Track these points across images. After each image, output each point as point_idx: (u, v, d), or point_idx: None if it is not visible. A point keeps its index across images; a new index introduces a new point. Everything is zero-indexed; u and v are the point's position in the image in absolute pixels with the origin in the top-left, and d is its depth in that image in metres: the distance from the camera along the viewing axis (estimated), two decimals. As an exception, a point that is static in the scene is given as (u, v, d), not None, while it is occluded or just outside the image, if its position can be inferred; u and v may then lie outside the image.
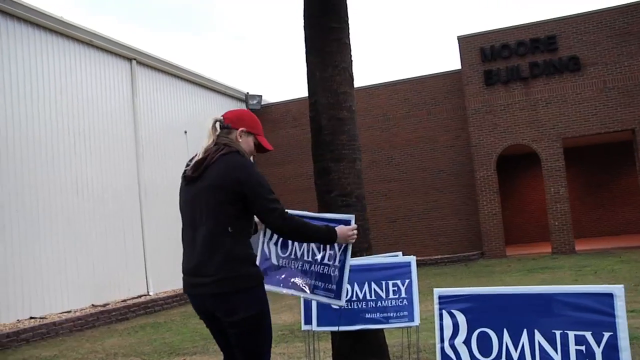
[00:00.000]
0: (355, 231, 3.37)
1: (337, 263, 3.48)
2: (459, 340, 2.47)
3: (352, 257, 4.55)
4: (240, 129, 3.07)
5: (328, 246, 3.51)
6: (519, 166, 20.52)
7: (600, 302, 2.22)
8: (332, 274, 3.49)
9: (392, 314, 4.21)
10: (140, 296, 13.22)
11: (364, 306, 4.26)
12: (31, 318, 10.64)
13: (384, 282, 4.28)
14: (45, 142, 11.62)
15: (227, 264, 2.85)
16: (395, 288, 4.26)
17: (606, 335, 2.19)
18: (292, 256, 3.61)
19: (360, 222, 4.61)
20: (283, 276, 3.59)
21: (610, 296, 2.21)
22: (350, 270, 3.54)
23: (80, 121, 12.54)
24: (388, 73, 48.98)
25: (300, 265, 3.58)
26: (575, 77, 15.85)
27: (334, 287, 3.48)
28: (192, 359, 7.09)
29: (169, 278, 14.11)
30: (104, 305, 11.96)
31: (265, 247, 3.70)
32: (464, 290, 2.51)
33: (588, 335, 2.22)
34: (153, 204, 14.29)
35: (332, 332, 4.61)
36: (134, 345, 8.45)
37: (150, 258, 13.89)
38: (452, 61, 48.47)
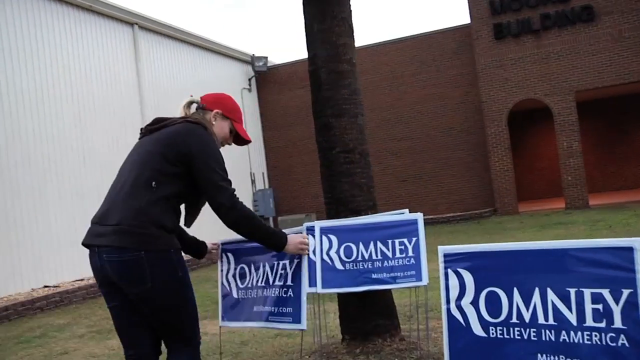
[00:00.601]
0: (307, 243, 3.02)
1: (289, 282, 3.18)
2: (466, 301, 2.28)
3: (357, 215, 4.40)
4: (215, 110, 2.83)
5: (279, 266, 3.22)
6: (530, 121, 20.12)
7: (619, 256, 2.01)
8: (286, 296, 3.18)
9: (399, 274, 4.03)
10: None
11: (370, 266, 4.08)
12: (45, 287, 10.65)
13: (390, 241, 4.08)
14: (49, 112, 11.45)
15: (135, 217, 2.46)
16: (402, 247, 4.06)
17: (625, 292, 1.98)
18: (250, 285, 3.35)
19: (364, 180, 4.41)
20: (244, 309, 3.33)
21: (629, 250, 1.99)
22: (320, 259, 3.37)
23: (83, 89, 12.33)
24: (395, 30, 48.14)
25: (256, 292, 3.31)
26: (588, 27, 15.33)
27: (290, 309, 3.17)
28: (202, 323, 7.00)
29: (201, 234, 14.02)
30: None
31: (224, 280, 3.49)
32: (470, 247, 2.31)
33: (605, 292, 2.01)
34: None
35: (339, 294, 4.46)
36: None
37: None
38: (460, 16, 47.45)
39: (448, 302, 2.32)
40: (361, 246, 4.11)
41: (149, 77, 14.21)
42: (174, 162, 2.55)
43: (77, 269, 11.44)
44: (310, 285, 4.26)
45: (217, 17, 48.59)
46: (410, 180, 17.49)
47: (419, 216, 4.11)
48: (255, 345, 5.37)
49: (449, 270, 2.32)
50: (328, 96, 4.35)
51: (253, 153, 18.00)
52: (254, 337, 5.81)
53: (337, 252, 4.10)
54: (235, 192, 2.67)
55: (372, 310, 4.29)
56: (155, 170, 2.54)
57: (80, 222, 11.77)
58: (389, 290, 4.39)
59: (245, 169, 17.56)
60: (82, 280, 11.27)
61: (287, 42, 47.82)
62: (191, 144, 2.56)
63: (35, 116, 11.13)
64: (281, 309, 3.21)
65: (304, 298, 3.16)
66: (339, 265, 4.08)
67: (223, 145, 2.90)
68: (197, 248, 3.22)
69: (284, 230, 3.03)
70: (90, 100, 12.47)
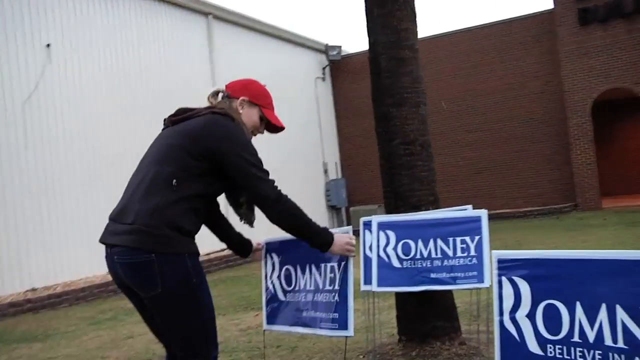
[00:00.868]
0: (353, 244, 2.75)
1: (337, 287, 2.95)
2: (521, 314, 2.02)
3: (416, 210, 4.15)
4: (242, 97, 2.61)
5: (327, 269, 2.99)
6: (617, 112, 18.96)
7: None
8: (334, 300, 2.96)
9: (459, 274, 3.76)
10: (223, 249, 13.32)
11: (428, 265, 3.83)
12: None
13: (451, 239, 3.82)
14: (121, 103, 11.69)
15: (151, 217, 2.27)
16: (464, 245, 3.78)
17: None
18: (297, 288, 3.15)
19: (425, 173, 4.16)
20: (290, 313, 3.14)
21: None
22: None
23: (156, 80, 12.52)
24: (471, 18, 46.75)
25: (304, 296, 3.11)
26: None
27: (337, 315, 2.95)
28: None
29: (250, 233, 14.10)
30: (188, 258, 12.14)
31: (269, 283, 3.30)
32: (527, 253, 2.04)
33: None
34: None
35: (396, 293, 4.23)
36: (213, 298, 8.45)
37: (233, 213, 13.90)
38: (540, 2, 45.49)
39: (501, 313, 2.06)
40: (420, 243, 3.87)
41: (222, 67, 14.29)
42: (198, 157, 2.35)
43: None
44: (365, 283, 4.09)
45: (290, 6, 48.78)
46: (485, 173, 16.86)
47: (483, 213, 3.82)
48: (313, 340, 5.24)
49: (504, 278, 2.06)
50: (388, 84, 4.10)
51: (326, 142, 17.88)
52: (313, 330, 5.68)
53: (395, 249, 3.88)
54: (275, 183, 2.48)
55: (431, 311, 4.04)
56: (178, 167, 2.34)
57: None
58: (450, 291, 4.12)
59: (317, 158, 17.47)
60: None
61: (361, 31, 47.44)
62: (219, 138, 2.37)
63: (109, 107, 11.38)
64: (328, 315, 3.01)
65: (350, 303, 2.94)
66: (396, 263, 3.86)
67: (255, 134, 2.71)
68: (243, 246, 3.08)
69: (331, 230, 2.82)
70: (162, 91, 12.65)
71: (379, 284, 3.89)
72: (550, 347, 1.94)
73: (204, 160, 2.36)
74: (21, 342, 6.50)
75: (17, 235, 9.40)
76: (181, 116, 2.51)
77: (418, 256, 3.85)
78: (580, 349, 1.87)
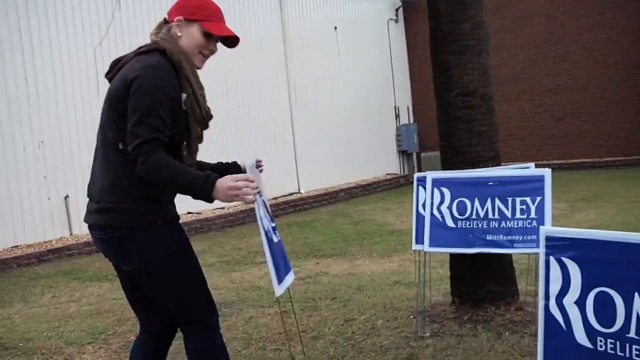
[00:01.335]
0: (239, 187, 2.11)
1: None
2: (569, 300, 1.75)
3: (474, 167, 3.85)
4: (176, 18, 2.24)
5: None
6: None
7: None
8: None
9: (517, 237, 3.48)
10: (291, 194, 13.35)
11: (484, 226, 3.57)
12: (188, 213, 11.15)
13: (510, 199, 3.53)
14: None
15: (112, 192, 2.15)
16: (524, 207, 3.49)
17: None
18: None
19: (485, 127, 3.83)
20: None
21: None
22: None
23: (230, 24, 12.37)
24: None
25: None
26: None
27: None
28: (325, 262, 6.90)
29: (319, 176, 14.07)
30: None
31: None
32: (580, 232, 1.75)
33: None
34: (302, 103, 14.07)
35: (450, 254, 4.00)
36: (276, 244, 8.47)
37: (301, 157, 13.85)
38: None
39: (547, 297, 1.81)
40: (476, 203, 3.61)
41: (291, 8, 13.97)
42: (125, 112, 2.11)
43: (220, 197, 11.83)
44: (417, 242, 3.87)
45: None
46: (567, 119, 15.89)
47: (547, 172, 3.49)
48: (369, 293, 5.13)
49: (551, 258, 1.80)
50: (447, 30, 3.75)
51: (398, 86, 17.36)
52: (372, 282, 5.57)
53: (449, 207, 3.65)
54: (148, 141, 2.06)
55: (486, 274, 3.79)
56: (116, 128, 2.15)
57: (222, 154, 12.07)
58: (507, 253, 3.85)
59: (389, 102, 17.02)
60: (222, 208, 11.66)
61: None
62: (127, 83, 2.10)
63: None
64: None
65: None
66: (450, 222, 3.64)
67: (206, 56, 2.33)
68: (226, 173, 2.38)
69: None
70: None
71: (431, 244, 3.68)
72: (601, 341, 1.68)
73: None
74: (93, 280, 6.74)
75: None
76: (113, 71, 2.26)
77: (474, 216, 3.60)
78: (638, 347, 1.60)
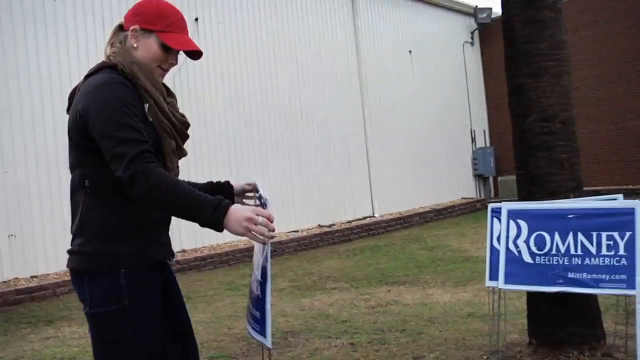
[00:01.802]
0: (266, 223, 1.80)
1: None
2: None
3: (554, 197, 3.51)
4: (132, 27, 1.95)
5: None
6: None
7: None
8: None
9: (604, 276, 3.12)
10: (365, 217, 13.11)
11: (566, 263, 3.22)
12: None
13: (595, 234, 3.17)
14: (268, 70, 11.74)
15: (81, 233, 1.89)
16: (611, 242, 3.12)
17: None
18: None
19: (566, 155, 3.49)
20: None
21: None
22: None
23: (300, 48, 12.40)
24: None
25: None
26: None
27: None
28: (397, 289, 6.62)
29: (393, 200, 13.78)
30: (330, 226, 12.05)
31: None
32: None
33: None
34: (377, 126, 13.87)
35: (528, 292, 3.66)
36: (348, 269, 8.26)
37: (375, 180, 13.61)
38: None
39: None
40: (557, 237, 3.27)
41: (365, 34, 13.86)
42: (83, 144, 1.89)
43: (292, 220, 11.78)
44: (491, 279, 3.57)
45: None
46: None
47: (637, 204, 3.12)
48: (441, 326, 4.82)
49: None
50: (524, 51, 3.46)
51: (474, 109, 16.87)
52: (444, 313, 5.26)
53: (527, 241, 3.34)
54: (137, 155, 1.79)
55: (568, 314, 3.42)
56: (80, 164, 1.91)
57: (296, 177, 12.04)
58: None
59: (465, 125, 16.55)
60: (296, 232, 11.56)
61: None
62: (81, 112, 1.86)
63: (257, 75, 11.47)
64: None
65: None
66: (527, 258, 3.32)
67: (165, 69, 2.03)
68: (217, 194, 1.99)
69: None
70: (306, 59, 12.51)
71: (507, 281, 3.36)
72: None
73: (88, 142, 1.87)
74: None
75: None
76: (69, 103, 2.01)
77: (554, 251, 3.26)
78: None
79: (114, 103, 1.82)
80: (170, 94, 2.04)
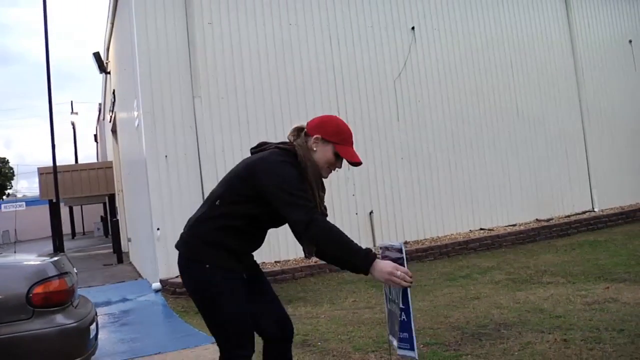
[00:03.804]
0: (398, 275, 2.19)
1: (401, 304, 2.29)
2: None
3: None
4: (315, 136, 2.48)
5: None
6: None
7: None
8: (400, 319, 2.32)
9: None
10: (584, 212, 12.19)
11: None
12: (481, 229, 11.01)
13: None
14: (479, 71, 11.53)
15: (190, 227, 2.51)
16: None
17: None
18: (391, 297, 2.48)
19: None
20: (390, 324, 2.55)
21: None
22: None
23: (516, 51, 11.98)
24: None
25: (389, 307, 2.54)
26: None
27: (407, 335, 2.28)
28: (616, 286, 6.08)
29: (615, 194, 12.59)
30: (547, 220, 11.46)
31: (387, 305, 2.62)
32: None
33: None
34: (596, 120, 12.79)
35: None
36: (566, 264, 7.84)
37: (595, 174, 12.57)
38: None
39: None
40: None
41: (580, 27, 12.84)
42: (245, 183, 2.43)
43: (510, 214, 11.45)
44: None
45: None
46: None
47: None
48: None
49: None
50: None
51: None
52: None
53: None
54: (314, 207, 2.32)
55: None
56: (226, 189, 2.48)
57: (513, 173, 11.66)
58: None
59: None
60: (514, 225, 11.22)
61: None
62: (255, 168, 2.41)
63: (471, 76, 11.35)
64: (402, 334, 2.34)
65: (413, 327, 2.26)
66: None
67: (332, 170, 2.55)
68: None
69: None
70: (521, 58, 12.03)
71: None
72: None
73: (248, 187, 2.41)
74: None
75: (392, 195, 10.27)
76: (257, 149, 2.59)
77: None
78: None
79: (288, 173, 2.36)
80: (323, 189, 2.54)
